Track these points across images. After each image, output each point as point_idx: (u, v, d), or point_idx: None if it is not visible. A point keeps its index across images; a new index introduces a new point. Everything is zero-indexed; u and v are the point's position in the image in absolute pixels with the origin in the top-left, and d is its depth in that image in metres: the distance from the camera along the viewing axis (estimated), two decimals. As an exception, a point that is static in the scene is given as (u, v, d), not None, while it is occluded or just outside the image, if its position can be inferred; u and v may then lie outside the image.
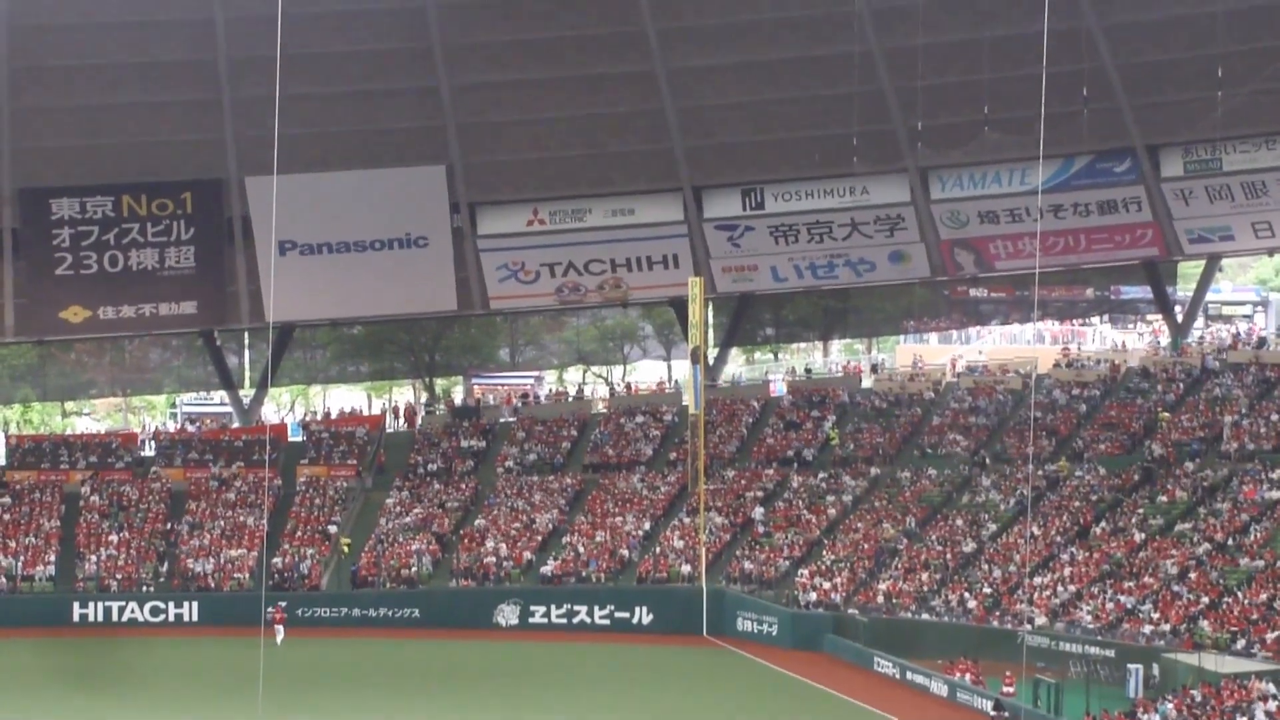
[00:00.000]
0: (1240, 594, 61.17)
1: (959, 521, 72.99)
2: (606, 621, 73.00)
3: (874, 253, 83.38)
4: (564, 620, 73.28)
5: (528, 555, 76.04)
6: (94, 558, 76.49)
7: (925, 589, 68.72)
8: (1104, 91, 78.57)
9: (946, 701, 59.97)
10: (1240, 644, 58.30)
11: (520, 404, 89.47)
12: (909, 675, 62.74)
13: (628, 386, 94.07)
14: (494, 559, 75.75)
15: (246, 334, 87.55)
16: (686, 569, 73.97)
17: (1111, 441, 76.50)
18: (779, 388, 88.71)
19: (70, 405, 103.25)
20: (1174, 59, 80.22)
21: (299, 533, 78.12)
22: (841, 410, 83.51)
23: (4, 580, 75.40)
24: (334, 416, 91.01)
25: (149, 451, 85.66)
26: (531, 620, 73.42)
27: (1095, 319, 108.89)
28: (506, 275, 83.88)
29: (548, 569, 75.06)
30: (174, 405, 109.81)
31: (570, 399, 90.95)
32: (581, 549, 75.89)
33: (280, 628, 69.32)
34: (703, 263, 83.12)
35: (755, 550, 74.43)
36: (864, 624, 67.64)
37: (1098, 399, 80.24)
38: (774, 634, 69.87)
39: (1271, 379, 77.58)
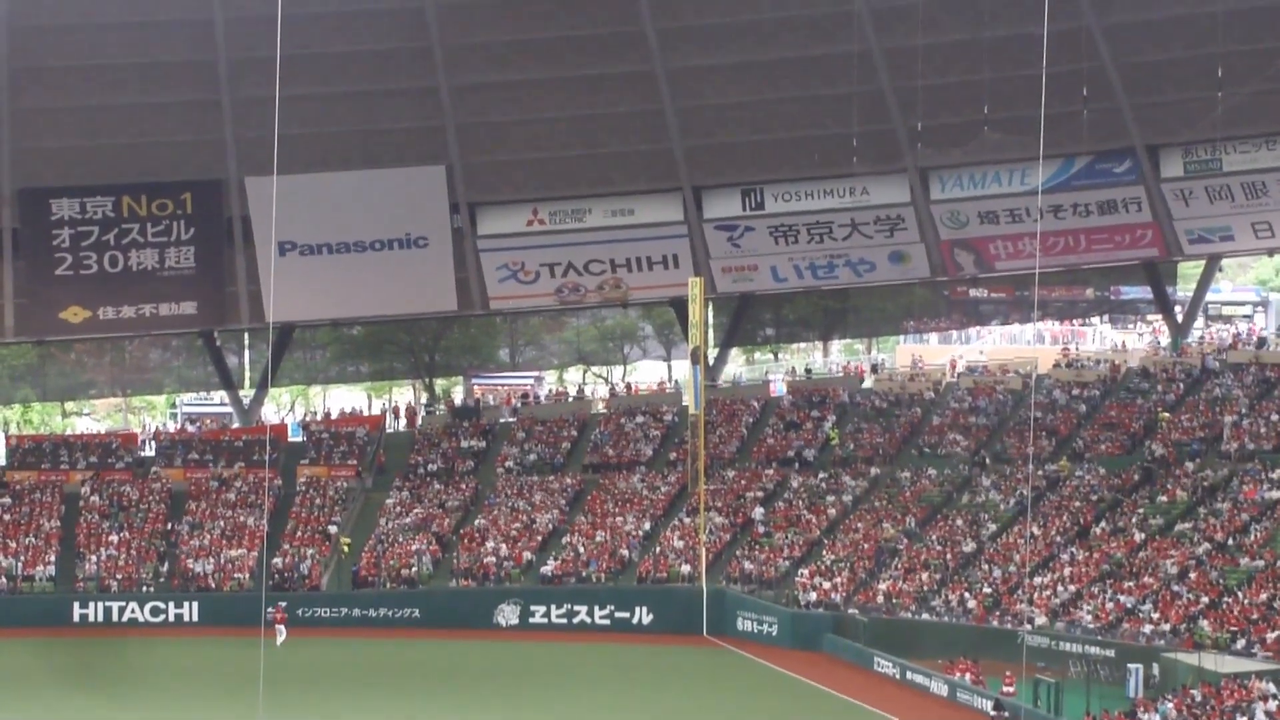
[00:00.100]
0: (1240, 594, 61.17)
1: (959, 521, 72.99)
2: (607, 621, 73.01)
3: (874, 253, 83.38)
4: (564, 620, 73.29)
5: (528, 555, 76.05)
6: (94, 558, 76.49)
7: (925, 589, 68.72)
8: (1104, 91, 78.57)
9: (946, 701, 59.97)
10: (1240, 644, 58.30)
11: (520, 404, 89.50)
12: (909, 675, 62.74)
13: (628, 387, 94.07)
14: (494, 559, 75.76)
15: (246, 334, 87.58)
16: (686, 569, 73.97)
17: (1111, 442, 76.51)
18: (779, 388, 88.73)
19: (70, 405, 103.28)
20: (1174, 59, 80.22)
21: (299, 533, 78.13)
22: (841, 410, 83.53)
23: (4, 580, 75.40)
24: (334, 417, 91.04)
25: (149, 452, 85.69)
26: (532, 620, 73.43)
27: (1095, 319, 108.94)
28: (506, 275, 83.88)
29: (548, 569, 75.06)
30: (174, 405, 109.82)
31: (570, 399, 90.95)
32: (582, 549, 75.89)
33: (282, 627, 69.28)
34: (703, 263, 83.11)
35: (755, 550, 74.43)
36: (864, 624, 67.65)
37: (1098, 399, 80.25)
38: (774, 634, 69.88)
39: (1271, 379, 77.58)
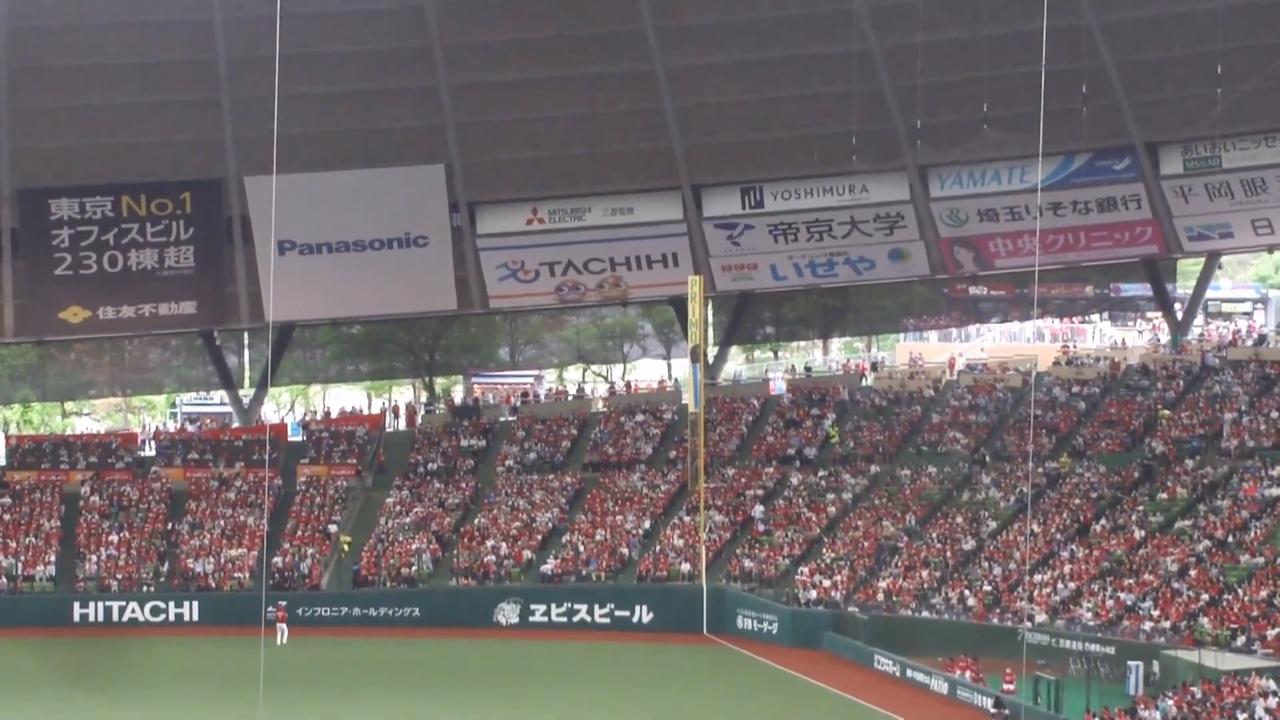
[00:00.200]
0: (1240, 591, 61.17)
1: (959, 519, 73.00)
2: (607, 620, 73.02)
3: (873, 251, 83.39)
4: (564, 619, 73.30)
5: (528, 554, 76.06)
6: (94, 558, 76.50)
7: (925, 587, 68.73)
8: (1103, 89, 78.55)
9: (947, 699, 59.99)
10: (1240, 641, 58.30)
11: (520, 403, 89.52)
12: (909, 673, 62.76)
13: (627, 385, 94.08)
14: (494, 558, 75.78)
15: (246, 334, 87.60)
16: (686, 567, 73.98)
17: (1111, 439, 76.50)
18: (779, 386, 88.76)
19: (70, 405, 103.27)
20: (1173, 56, 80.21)
21: (299, 532, 78.14)
22: (841, 408, 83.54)
23: (4, 580, 75.40)
24: (334, 416, 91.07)
25: (149, 451, 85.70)
26: (532, 619, 73.43)
27: (1095, 316, 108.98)
28: (506, 274, 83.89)
29: (548, 568, 75.08)
30: (174, 405, 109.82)
31: (570, 398, 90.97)
32: (581, 548, 75.91)
33: (283, 626, 69.34)
34: (702, 261, 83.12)
35: (755, 548, 74.44)
36: (864, 622, 67.65)
37: (1097, 396, 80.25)
38: (774, 632, 69.88)
39: (1271, 376, 77.58)
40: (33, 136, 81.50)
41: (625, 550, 75.65)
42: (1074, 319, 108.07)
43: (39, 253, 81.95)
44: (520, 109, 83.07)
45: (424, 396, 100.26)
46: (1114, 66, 79.57)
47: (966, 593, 67.17)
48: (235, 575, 75.43)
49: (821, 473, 78.88)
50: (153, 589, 75.14)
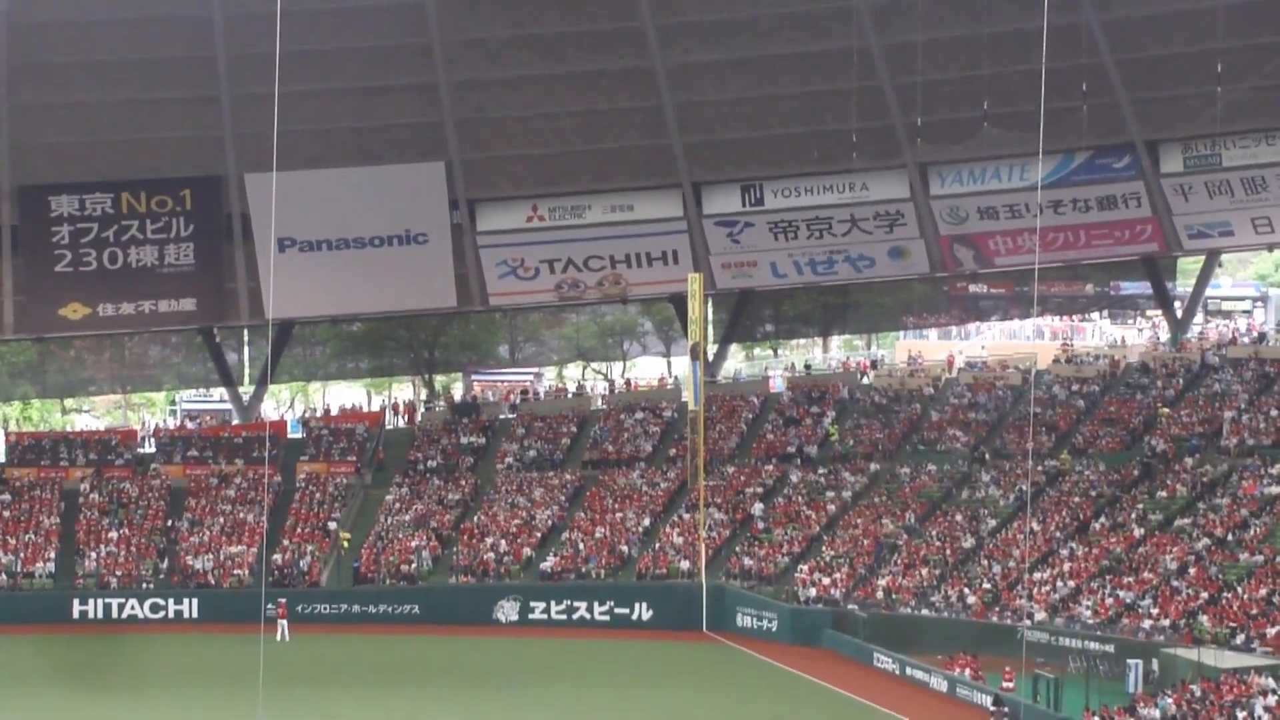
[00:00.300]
0: (1240, 589, 61.19)
1: (958, 517, 73.00)
2: (606, 617, 73.03)
3: (873, 249, 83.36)
4: (564, 616, 73.30)
5: (527, 551, 76.06)
6: (94, 555, 76.52)
7: (925, 584, 68.73)
8: (1103, 87, 78.49)
9: (946, 697, 59.98)
10: (1240, 639, 58.31)
11: (520, 400, 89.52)
12: (908, 671, 62.75)
13: (627, 383, 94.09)
14: (494, 555, 75.78)
15: (246, 331, 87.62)
16: (686, 565, 73.97)
17: (1111, 437, 76.50)
18: (778, 384, 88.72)
19: (70, 402, 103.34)
20: (1173, 54, 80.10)
21: (299, 529, 78.17)
22: (841, 406, 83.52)
23: (4, 577, 75.44)
24: (334, 413, 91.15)
25: (149, 448, 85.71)
26: (531, 616, 73.44)
27: (1095, 314, 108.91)
28: (506, 272, 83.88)
29: (547, 565, 75.08)
30: (173, 402, 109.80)
31: (570, 395, 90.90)
32: (581, 545, 75.92)
33: (284, 623, 69.34)
34: (702, 259, 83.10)
35: (755, 546, 74.46)
36: (863, 619, 67.65)
37: (1097, 394, 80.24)
38: (774, 630, 69.87)
39: (1271, 374, 77.57)
40: (33, 133, 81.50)
41: (625, 548, 75.65)
42: (1074, 317, 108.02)
43: (39, 249, 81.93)
44: (520, 106, 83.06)
45: (424, 394, 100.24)
46: (1114, 64, 79.52)
47: (966, 591, 67.18)
48: (235, 572, 75.44)
49: (821, 471, 78.88)
50: (152, 586, 75.16)
